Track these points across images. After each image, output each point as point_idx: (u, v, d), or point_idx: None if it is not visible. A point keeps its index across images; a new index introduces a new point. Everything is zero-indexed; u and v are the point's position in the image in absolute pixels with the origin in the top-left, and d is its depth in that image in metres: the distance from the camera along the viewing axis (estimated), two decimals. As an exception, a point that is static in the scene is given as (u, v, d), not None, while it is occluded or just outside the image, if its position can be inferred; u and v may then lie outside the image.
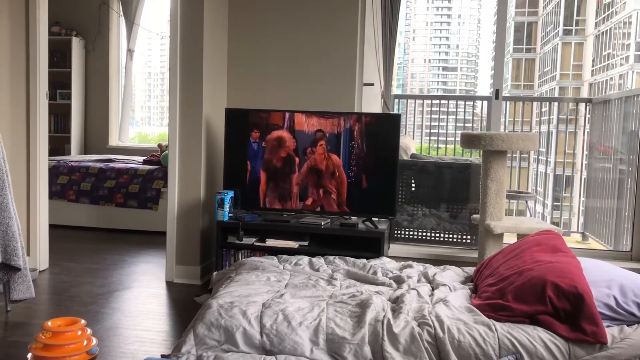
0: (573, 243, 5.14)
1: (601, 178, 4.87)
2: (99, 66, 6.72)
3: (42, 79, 3.75)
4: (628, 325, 2.05)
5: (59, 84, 6.58)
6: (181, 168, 3.70)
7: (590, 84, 27.13)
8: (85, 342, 2.47)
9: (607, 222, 4.65)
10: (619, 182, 4.42)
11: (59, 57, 6.55)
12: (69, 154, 6.54)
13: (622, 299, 2.07)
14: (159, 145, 5.61)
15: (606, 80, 25.12)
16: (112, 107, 6.78)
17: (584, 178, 5.33)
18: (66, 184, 5.24)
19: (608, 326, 2.03)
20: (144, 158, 5.70)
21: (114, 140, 6.81)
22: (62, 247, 4.44)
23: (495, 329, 2.00)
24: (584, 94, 27.80)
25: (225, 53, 3.99)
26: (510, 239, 3.60)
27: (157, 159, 5.48)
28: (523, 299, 2.09)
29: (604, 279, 2.16)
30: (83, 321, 2.52)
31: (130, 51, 6.76)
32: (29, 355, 2.40)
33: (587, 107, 5.19)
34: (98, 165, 5.37)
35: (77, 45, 6.55)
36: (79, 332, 2.47)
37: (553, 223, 6.98)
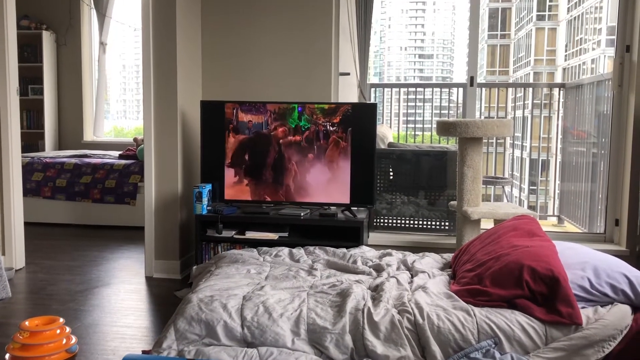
0: (549, 226, 5.22)
1: (575, 162, 4.94)
2: (71, 60, 6.60)
3: (12, 74, 3.68)
4: (602, 306, 2.10)
5: (31, 79, 6.45)
6: (158, 162, 3.66)
7: (564, 69, 27.46)
8: (64, 341, 2.45)
9: (581, 205, 4.73)
10: (592, 165, 4.50)
11: (30, 51, 6.42)
12: (43, 150, 6.44)
13: (596, 281, 2.11)
14: (135, 139, 5.55)
15: (579, 64, 25.45)
16: (86, 101, 6.67)
17: (559, 162, 5.40)
18: (41, 180, 5.16)
19: (583, 307, 2.07)
20: (120, 152, 5.64)
21: (88, 135, 6.71)
22: (38, 245, 4.38)
23: (474, 314, 2.03)
24: (558, 78, 28.14)
25: (199, 45, 3.95)
26: (487, 224, 3.64)
27: (133, 153, 5.42)
28: (500, 284, 2.12)
29: (579, 262, 2.20)
30: (62, 319, 2.49)
31: (102, 44, 6.65)
32: (7, 355, 2.38)
33: (561, 92, 5.25)
34: (73, 161, 5.29)
35: (47, 39, 6.42)
36: (58, 331, 2.45)
37: (530, 207, 7.08)
